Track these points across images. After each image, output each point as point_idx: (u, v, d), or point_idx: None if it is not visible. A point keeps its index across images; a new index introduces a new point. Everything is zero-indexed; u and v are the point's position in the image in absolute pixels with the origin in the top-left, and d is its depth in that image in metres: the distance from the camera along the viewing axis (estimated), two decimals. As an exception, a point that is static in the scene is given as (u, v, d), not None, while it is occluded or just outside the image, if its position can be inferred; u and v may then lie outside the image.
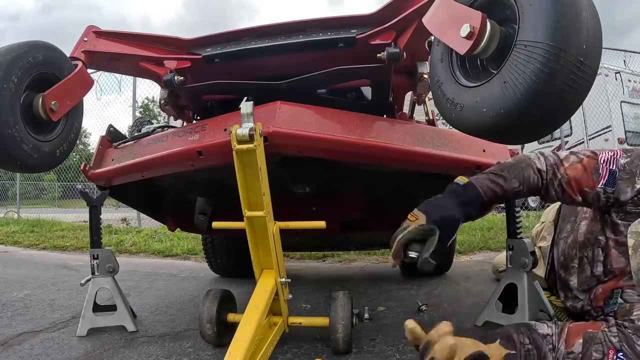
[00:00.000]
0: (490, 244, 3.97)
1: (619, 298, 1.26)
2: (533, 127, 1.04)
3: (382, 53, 1.47)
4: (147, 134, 1.78)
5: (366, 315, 1.81)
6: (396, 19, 1.50)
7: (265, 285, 1.42)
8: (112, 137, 1.89)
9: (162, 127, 1.85)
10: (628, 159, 1.24)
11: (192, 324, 1.88)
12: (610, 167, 1.23)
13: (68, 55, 1.66)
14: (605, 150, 1.29)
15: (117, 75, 7.32)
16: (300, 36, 1.62)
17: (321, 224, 1.48)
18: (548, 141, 9.22)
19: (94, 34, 1.75)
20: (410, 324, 1.01)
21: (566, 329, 1.08)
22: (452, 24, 1.10)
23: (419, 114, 2.57)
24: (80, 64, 1.65)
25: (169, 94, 1.77)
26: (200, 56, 1.69)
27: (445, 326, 0.98)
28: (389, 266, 3.36)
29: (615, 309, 1.25)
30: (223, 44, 1.71)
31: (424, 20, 1.27)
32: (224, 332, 1.55)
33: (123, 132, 1.96)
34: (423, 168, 1.62)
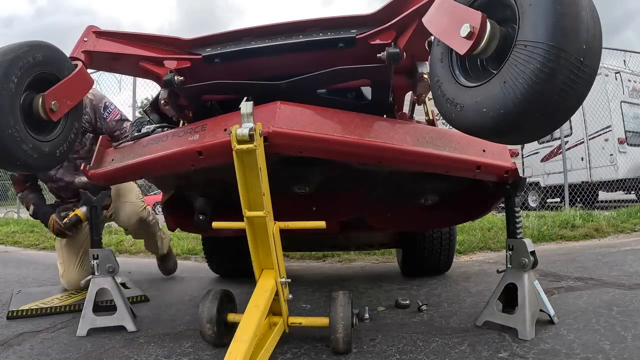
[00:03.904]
0: (490, 244, 3.97)
1: None
2: (533, 127, 1.04)
3: (382, 53, 1.47)
4: (147, 134, 1.78)
5: (366, 315, 1.82)
6: (396, 19, 1.50)
7: (265, 285, 1.42)
8: None
9: (162, 127, 1.85)
10: None
11: (192, 324, 1.88)
12: None
13: (68, 55, 1.66)
14: None
15: (117, 75, 7.33)
16: (300, 36, 1.62)
17: (321, 224, 1.48)
18: (548, 141, 9.24)
19: (94, 34, 1.75)
20: None
21: None
22: (452, 24, 1.10)
23: (419, 114, 2.57)
24: (80, 64, 1.64)
25: (169, 94, 1.77)
26: (200, 56, 1.69)
27: None
28: (389, 266, 3.37)
29: None
30: (223, 44, 1.71)
31: (424, 20, 1.27)
32: (224, 332, 1.55)
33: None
34: (423, 168, 1.62)
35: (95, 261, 1.85)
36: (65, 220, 2.33)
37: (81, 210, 2.25)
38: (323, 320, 1.52)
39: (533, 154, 9.95)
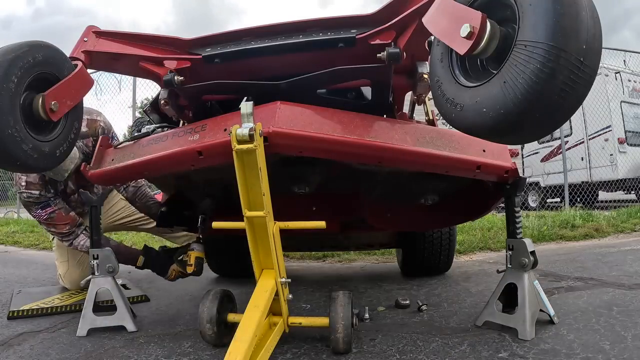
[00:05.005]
0: (490, 244, 3.97)
1: None
2: (533, 127, 1.04)
3: (382, 53, 1.47)
4: (147, 134, 1.78)
5: (366, 315, 1.82)
6: (396, 19, 1.50)
7: (265, 285, 1.42)
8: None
9: (162, 127, 1.85)
10: None
11: (192, 324, 1.88)
12: None
13: (68, 55, 1.66)
14: None
15: (116, 75, 7.33)
16: (300, 36, 1.62)
17: (321, 224, 1.48)
18: (548, 141, 9.24)
19: (94, 34, 1.75)
20: None
21: None
22: (452, 24, 1.10)
23: (419, 114, 2.57)
24: (80, 64, 1.64)
25: (169, 94, 1.77)
26: (200, 56, 1.69)
27: None
28: (389, 266, 3.37)
29: None
30: (223, 44, 1.71)
31: (424, 20, 1.27)
32: (224, 332, 1.55)
33: (123, 133, 1.96)
34: (423, 168, 1.62)
35: (95, 261, 1.85)
36: (192, 269, 2.20)
37: (196, 250, 2.16)
38: (323, 320, 1.52)
39: (533, 154, 9.95)
